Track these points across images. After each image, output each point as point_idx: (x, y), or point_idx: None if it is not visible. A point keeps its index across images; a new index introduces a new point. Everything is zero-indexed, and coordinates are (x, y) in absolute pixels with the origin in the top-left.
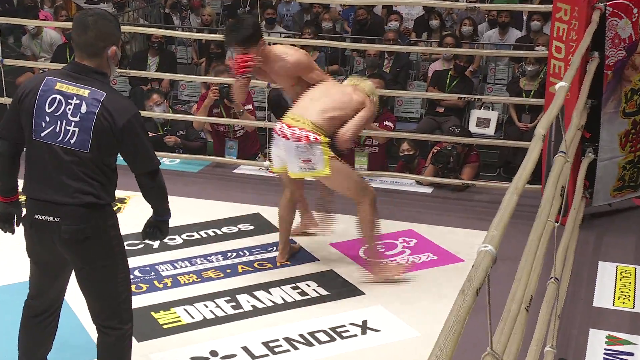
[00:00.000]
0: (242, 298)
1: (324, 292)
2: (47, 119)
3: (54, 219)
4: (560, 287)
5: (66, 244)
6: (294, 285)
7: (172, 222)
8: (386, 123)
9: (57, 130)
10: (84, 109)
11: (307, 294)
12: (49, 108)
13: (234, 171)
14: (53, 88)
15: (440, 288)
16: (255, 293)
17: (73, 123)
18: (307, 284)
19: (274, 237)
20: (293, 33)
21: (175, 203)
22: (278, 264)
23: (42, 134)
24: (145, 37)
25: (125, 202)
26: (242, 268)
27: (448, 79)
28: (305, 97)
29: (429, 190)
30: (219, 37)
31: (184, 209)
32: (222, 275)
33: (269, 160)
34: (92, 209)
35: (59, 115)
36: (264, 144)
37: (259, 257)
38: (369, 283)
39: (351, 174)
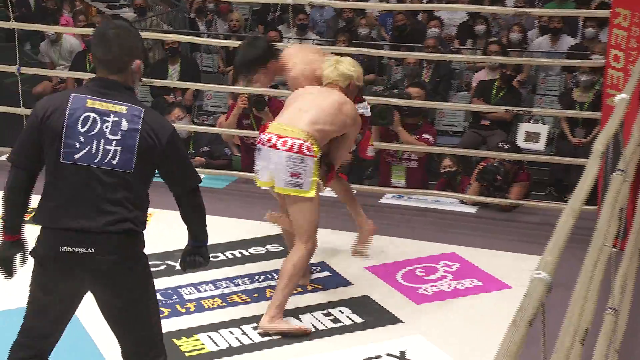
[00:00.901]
0: None
1: (358, 319)
2: (82, 139)
3: (87, 250)
4: (619, 318)
5: (102, 277)
6: (326, 311)
7: None
8: (425, 136)
9: (95, 150)
10: (124, 126)
11: (340, 322)
12: (82, 127)
13: (263, 187)
14: (84, 106)
15: (485, 317)
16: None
17: (114, 142)
18: (340, 311)
19: None
20: (326, 40)
21: None
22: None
23: (76, 156)
24: (163, 44)
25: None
26: (270, 292)
27: (494, 90)
28: (292, 106)
29: (473, 210)
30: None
31: (209, 228)
32: (248, 299)
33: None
34: (129, 237)
35: (96, 134)
36: None
37: None
38: (408, 310)
39: (317, 212)
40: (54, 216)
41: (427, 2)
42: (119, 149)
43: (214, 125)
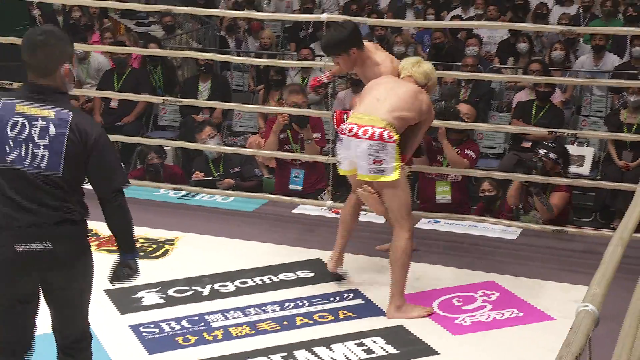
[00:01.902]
0: (300, 355)
1: (392, 350)
2: (11, 143)
3: (43, 244)
4: None
5: (58, 267)
6: (358, 341)
7: (224, 267)
8: (468, 152)
9: (24, 154)
10: (52, 130)
11: (374, 352)
12: (11, 132)
13: (293, 211)
14: (13, 110)
15: (526, 350)
16: (315, 349)
17: (42, 146)
18: (373, 341)
19: (336, 286)
20: None
21: (228, 245)
22: (330, 271)
23: (8, 159)
24: (196, 61)
25: (173, 244)
26: (300, 320)
27: (534, 110)
28: (369, 96)
29: (513, 236)
30: (277, 62)
31: (237, 253)
32: (278, 327)
33: (332, 200)
34: (78, 226)
35: (24, 138)
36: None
37: (319, 308)
38: (444, 341)
39: (409, 191)
40: (3, 217)
41: (467, 20)
42: (46, 153)
43: (243, 146)
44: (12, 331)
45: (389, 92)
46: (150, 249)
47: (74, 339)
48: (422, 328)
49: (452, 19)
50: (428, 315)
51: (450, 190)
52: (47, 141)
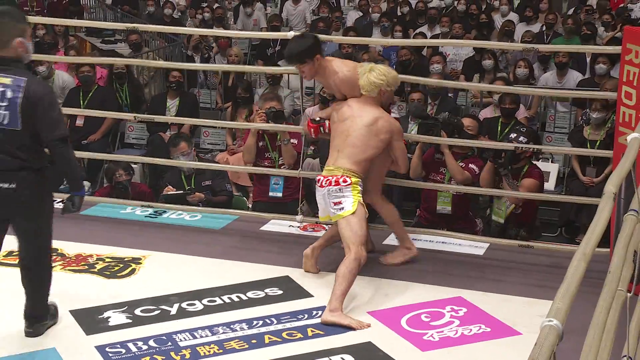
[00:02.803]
0: None
1: None
2: None
3: (9, 185)
4: None
5: (20, 207)
6: (327, 359)
7: (192, 286)
8: (471, 165)
9: None
10: (9, 94)
11: None
12: None
13: (262, 228)
14: None
15: None
16: None
17: (2, 107)
18: (342, 358)
19: (305, 303)
20: None
21: (196, 263)
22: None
23: None
24: (165, 78)
25: (140, 263)
26: (269, 338)
27: (499, 127)
28: (333, 149)
29: (480, 252)
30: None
31: (205, 270)
32: (246, 346)
33: (302, 215)
34: (37, 172)
35: None
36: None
37: (288, 325)
38: (413, 357)
39: (363, 224)
40: None
41: (432, 38)
42: (7, 112)
43: (213, 162)
44: None
45: (345, 141)
46: (117, 268)
47: (32, 256)
48: (390, 345)
49: (415, 36)
50: (361, 328)
51: (452, 202)
52: (6, 103)
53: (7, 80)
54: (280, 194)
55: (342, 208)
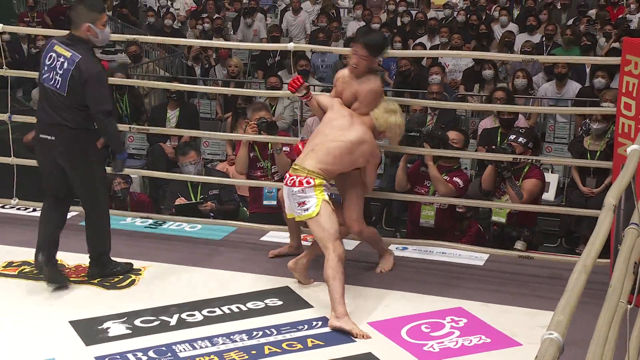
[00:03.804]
0: None
1: None
2: (46, 68)
3: (49, 135)
4: None
5: (61, 154)
6: None
7: (192, 297)
8: (455, 179)
9: (51, 77)
10: (65, 65)
11: None
12: (47, 61)
13: (262, 239)
14: (53, 48)
15: None
16: None
17: (59, 74)
18: None
19: (305, 314)
20: (328, 86)
21: (196, 274)
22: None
23: (42, 78)
24: (165, 89)
25: (140, 273)
26: (269, 349)
27: (499, 137)
28: (309, 144)
29: (480, 262)
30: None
31: (205, 281)
32: (246, 357)
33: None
34: (72, 131)
35: (52, 67)
36: None
37: (288, 336)
38: None
39: (330, 222)
40: (38, 114)
41: (431, 48)
42: (60, 79)
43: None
44: (57, 183)
45: (323, 145)
46: (116, 279)
47: (86, 201)
48: (390, 355)
49: (414, 47)
50: (362, 338)
51: (435, 215)
52: (61, 71)
53: (67, 54)
54: (274, 202)
55: (307, 209)
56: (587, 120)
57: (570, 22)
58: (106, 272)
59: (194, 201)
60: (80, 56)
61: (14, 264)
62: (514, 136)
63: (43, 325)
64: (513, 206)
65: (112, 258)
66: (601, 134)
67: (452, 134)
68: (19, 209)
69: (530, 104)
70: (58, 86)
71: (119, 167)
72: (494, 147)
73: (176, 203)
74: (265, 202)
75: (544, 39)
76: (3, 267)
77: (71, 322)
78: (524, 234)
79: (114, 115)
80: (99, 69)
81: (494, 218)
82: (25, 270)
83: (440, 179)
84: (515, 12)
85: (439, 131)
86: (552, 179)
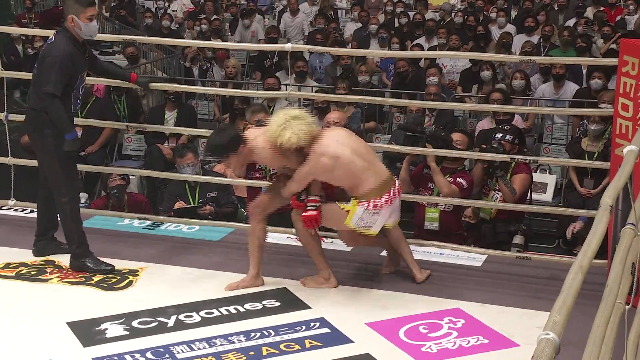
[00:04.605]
0: None
1: None
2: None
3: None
4: None
5: (29, 134)
6: None
7: (190, 298)
8: (459, 180)
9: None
10: (44, 47)
11: None
12: None
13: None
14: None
15: None
16: None
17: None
18: None
19: (303, 315)
20: (326, 86)
21: (193, 275)
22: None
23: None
24: (163, 90)
25: (137, 275)
26: (266, 350)
27: None
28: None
29: (478, 263)
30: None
31: (202, 283)
32: (244, 358)
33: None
34: (36, 112)
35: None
36: None
37: (285, 337)
38: None
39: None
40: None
41: (429, 49)
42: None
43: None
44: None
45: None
46: (114, 280)
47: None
48: (388, 356)
49: (412, 48)
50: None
51: (439, 217)
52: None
53: (50, 37)
54: None
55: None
56: (585, 121)
57: (571, 22)
58: (77, 262)
59: (193, 205)
60: (52, 40)
61: (11, 265)
62: (501, 134)
63: (41, 326)
64: (513, 207)
65: (106, 261)
66: (599, 135)
67: (456, 136)
68: (16, 210)
69: (527, 105)
70: (35, 66)
71: (69, 145)
72: (484, 146)
73: (175, 207)
74: None
75: (541, 40)
76: (1, 268)
77: (69, 324)
78: (521, 228)
79: (63, 101)
80: (58, 53)
81: (481, 215)
82: (22, 272)
83: (444, 181)
84: (513, 14)
85: (442, 132)
86: (549, 179)
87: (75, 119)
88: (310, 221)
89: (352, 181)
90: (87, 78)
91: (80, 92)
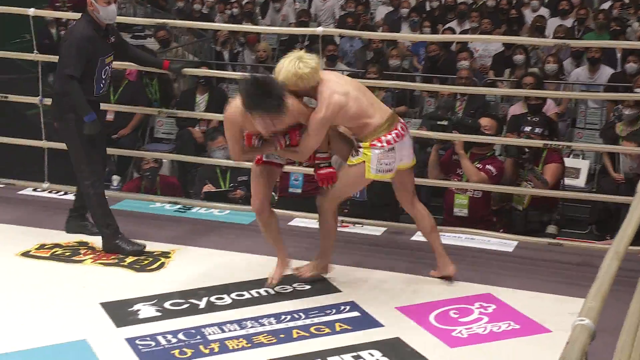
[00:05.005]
0: None
1: None
2: None
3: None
4: None
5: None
6: (355, 354)
7: (221, 280)
8: (488, 167)
9: None
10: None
11: None
12: None
13: (290, 223)
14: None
15: None
16: None
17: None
18: (370, 353)
19: (333, 299)
20: (356, 70)
21: (224, 258)
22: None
23: None
24: None
25: (169, 257)
26: (297, 333)
27: None
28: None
29: (510, 248)
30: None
31: (234, 265)
32: (275, 340)
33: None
34: (54, 97)
35: None
36: None
37: (316, 320)
38: (441, 354)
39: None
40: None
41: (461, 33)
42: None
43: None
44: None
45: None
46: (146, 261)
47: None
48: (419, 341)
49: (444, 31)
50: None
51: (469, 204)
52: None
53: (74, 21)
54: (299, 190)
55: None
56: (620, 106)
57: (604, 5)
58: (110, 244)
59: (223, 189)
60: (75, 22)
61: (46, 246)
62: (530, 128)
63: (74, 306)
64: (546, 192)
65: (137, 241)
66: (633, 119)
67: (485, 120)
68: (50, 192)
69: (561, 89)
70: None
71: (88, 128)
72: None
73: (205, 190)
74: (290, 190)
75: (575, 23)
76: (36, 249)
77: (102, 304)
78: (555, 217)
79: (83, 84)
80: (78, 35)
81: (513, 204)
82: (57, 253)
83: (472, 168)
84: None
85: (469, 119)
86: (582, 165)
87: (107, 103)
88: (327, 179)
89: (362, 119)
90: (118, 63)
91: (103, 76)
